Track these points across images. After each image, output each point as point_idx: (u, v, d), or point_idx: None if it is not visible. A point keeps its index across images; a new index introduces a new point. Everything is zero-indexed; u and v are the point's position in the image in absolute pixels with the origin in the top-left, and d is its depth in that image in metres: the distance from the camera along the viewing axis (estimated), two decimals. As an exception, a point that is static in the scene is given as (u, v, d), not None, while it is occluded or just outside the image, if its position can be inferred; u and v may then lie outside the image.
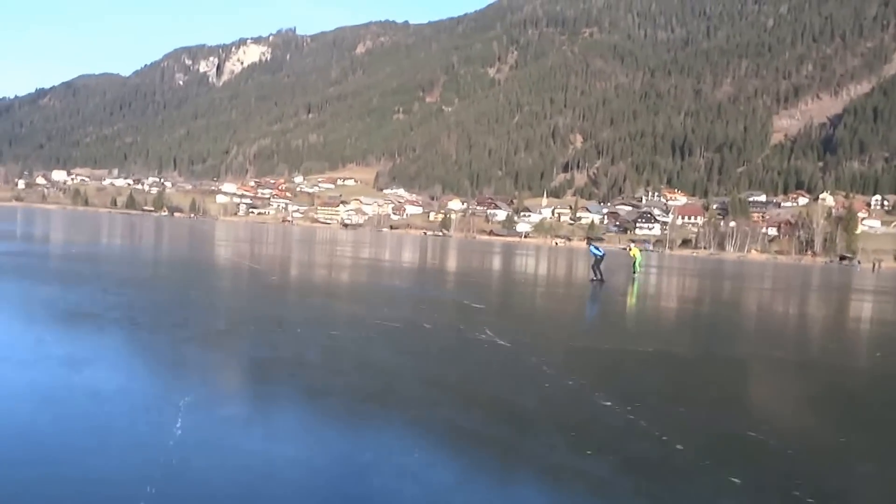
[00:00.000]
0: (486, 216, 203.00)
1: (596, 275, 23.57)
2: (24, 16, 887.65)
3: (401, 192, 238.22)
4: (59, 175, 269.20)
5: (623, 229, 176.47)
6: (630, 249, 30.65)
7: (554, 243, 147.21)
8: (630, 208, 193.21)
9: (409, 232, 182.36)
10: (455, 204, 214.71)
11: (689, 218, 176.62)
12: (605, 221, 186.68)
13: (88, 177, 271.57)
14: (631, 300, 19.70)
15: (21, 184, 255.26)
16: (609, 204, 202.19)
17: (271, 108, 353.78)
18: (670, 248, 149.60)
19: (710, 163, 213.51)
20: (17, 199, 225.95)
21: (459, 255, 49.30)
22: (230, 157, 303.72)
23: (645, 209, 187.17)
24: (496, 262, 40.68)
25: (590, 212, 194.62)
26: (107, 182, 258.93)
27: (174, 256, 27.68)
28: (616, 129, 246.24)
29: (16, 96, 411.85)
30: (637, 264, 29.31)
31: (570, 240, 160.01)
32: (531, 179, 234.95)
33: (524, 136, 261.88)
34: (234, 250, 32.96)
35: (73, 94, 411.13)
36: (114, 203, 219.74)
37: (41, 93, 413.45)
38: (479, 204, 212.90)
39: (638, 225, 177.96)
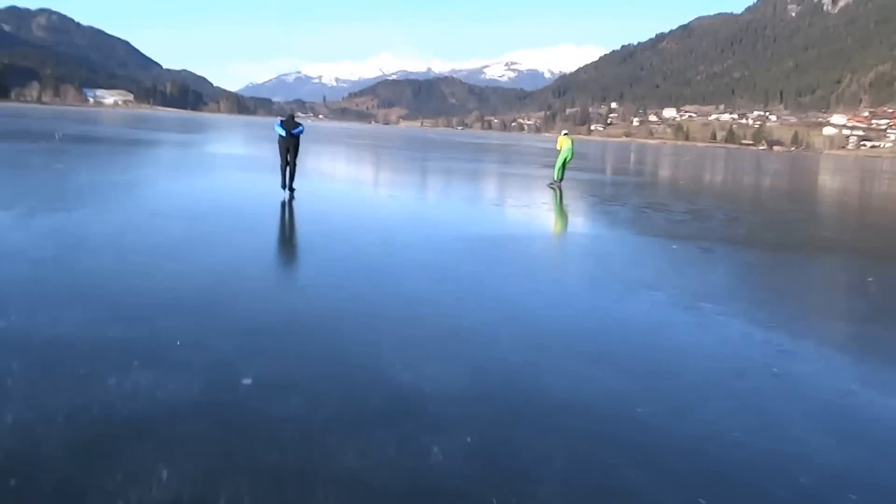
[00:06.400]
0: None
1: (284, 179, 13.40)
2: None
3: None
4: (668, 112, 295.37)
5: None
6: (558, 139, 20.36)
7: None
8: None
9: None
10: None
11: None
12: None
13: (696, 113, 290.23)
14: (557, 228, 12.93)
15: (635, 121, 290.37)
16: None
17: (893, 32, 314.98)
18: None
19: None
20: (626, 134, 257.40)
21: None
22: (842, 86, 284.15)
23: None
24: None
25: None
26: (712, 118, 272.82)
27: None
28: None
29: (638, 42, 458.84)
30: (559, 166, 19.45)
31: None
32: None
33: None
34: None
35: (688, 36, 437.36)
36: (713, 137, 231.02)
37: (660, 37, 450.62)
38: None
39: None
